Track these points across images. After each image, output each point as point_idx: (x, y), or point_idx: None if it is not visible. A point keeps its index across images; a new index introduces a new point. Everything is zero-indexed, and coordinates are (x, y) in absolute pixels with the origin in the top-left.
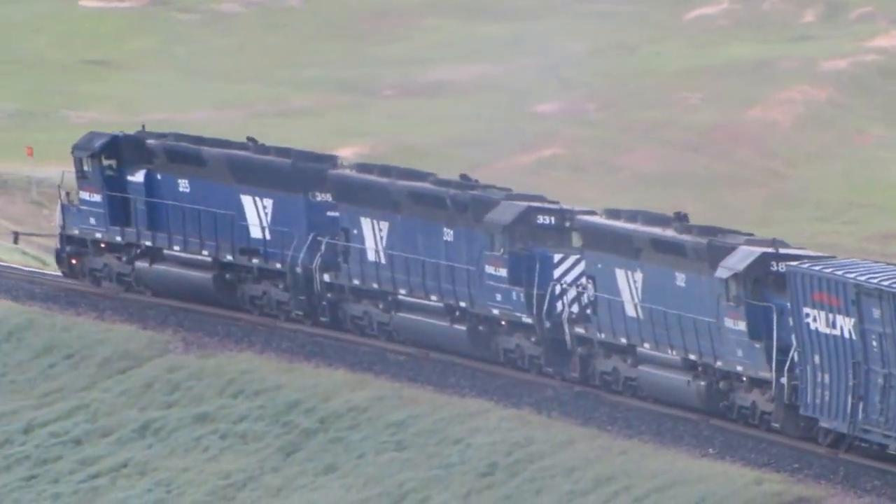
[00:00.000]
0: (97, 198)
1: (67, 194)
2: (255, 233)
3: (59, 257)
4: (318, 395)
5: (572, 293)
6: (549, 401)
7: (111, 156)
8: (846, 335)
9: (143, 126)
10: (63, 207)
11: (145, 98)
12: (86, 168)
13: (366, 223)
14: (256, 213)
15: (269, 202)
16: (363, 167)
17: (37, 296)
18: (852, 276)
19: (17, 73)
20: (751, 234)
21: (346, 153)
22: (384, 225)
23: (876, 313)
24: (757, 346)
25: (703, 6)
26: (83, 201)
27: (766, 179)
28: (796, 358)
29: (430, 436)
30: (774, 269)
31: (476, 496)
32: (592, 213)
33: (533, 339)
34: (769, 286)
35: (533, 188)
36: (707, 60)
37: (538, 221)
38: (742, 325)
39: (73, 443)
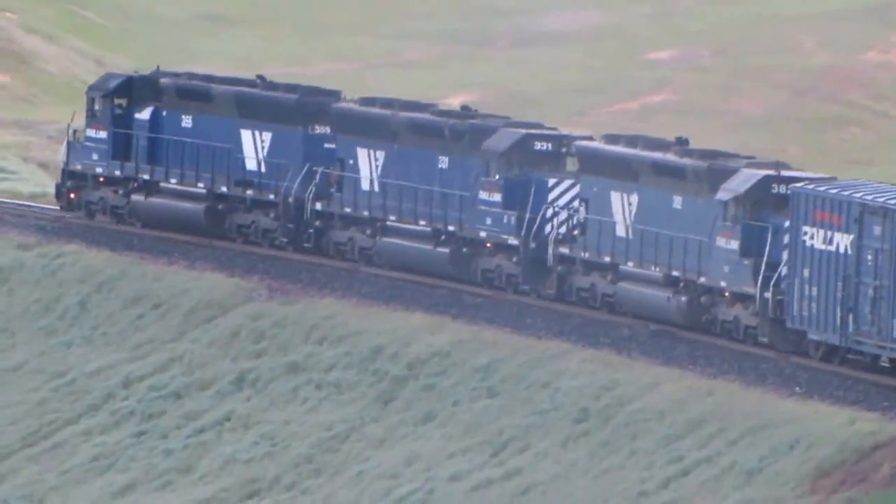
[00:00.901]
0: (103, 135)
1: (75, 132)
2: (251, 165)
3: (59, 191)
4: (400, 340)
5: (563, 216)
6: (626, 340)
7: (123, 95)
8: (841, 251)
9: (158, 67)
10: (68, 144)
11: (261, 52)
12: (96, 107)
13: (362, 153)
14: (254, 146)
15: (267, 136)
16: (367, 101)
17: (134, 246)
18: (858, 195)
19: (133, 31)
20: (752, 157)
21: (456, 102)
22: (380, 154)
23: (877, 230)
24: (745, 262)
25: None
26: (88, 138)
27: (873, 121)
28: (783, 273)
29: (517, 380)
30: (775, 190)
31: (574, 443)
32: (590, 138)
33: (514, 260)
34: (768, 207)
35: (635, 132)
36: (823, 5)
37: (535, 148)
38: (734, 244)
39: (174, 396)
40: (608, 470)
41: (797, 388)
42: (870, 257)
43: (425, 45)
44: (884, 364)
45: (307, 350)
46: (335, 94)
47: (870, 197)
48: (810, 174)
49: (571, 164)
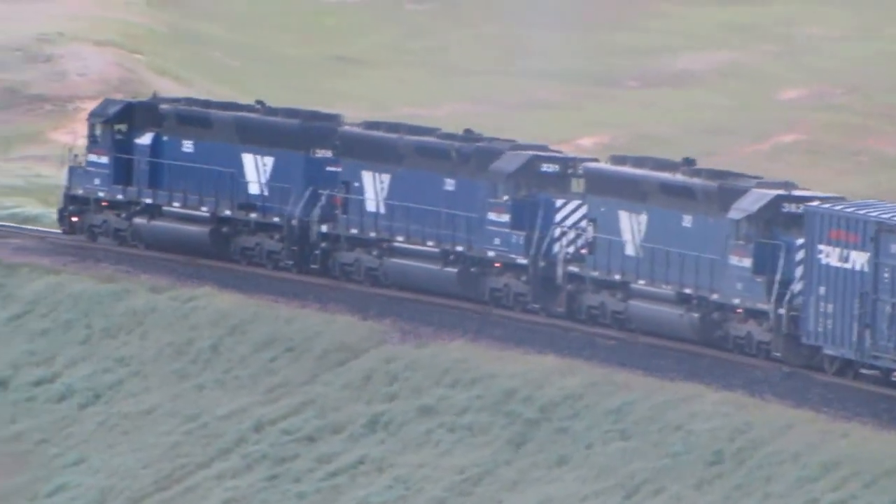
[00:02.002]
0: (104, 159)
1: (76, 156)
2: (254, 189)
3: (61, 216)
4: (532, 383)
5: (571, 235)
6: (758, 382)
7: (123, 121)
8: (857, 268)
9: (155, 93)
10: (70, 169)
11: (391, 94)
12: (97, 133)
13: (367, 176)
14: (256, 170)
15: (269, 160)
16: (370, 125)
17: (266, 289)
18: (874, 214)
19: (262, 72)
20: (759, 177)
21: (587, 143)
22: (385, 177)
23: (893, 248)
24: (759, 279)
25: None
26: (90, 163)
27: None
28: (797, 290)
29: (650, 423)
30: (786, 209)
31: (707, 486)
32: (595, 160)
33: (523, 279)
34: (780, 226)
35: (767, 173)
36: None
37: (542, 169)
38: (747, 262)
39: (307, 440)
40: None
41: None
42: (887, 275)
43: (557, 86)
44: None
45: (440, 393)
46: (336, 119)
47: (886, 216)
48: (819, 193)
49: (577, 186)
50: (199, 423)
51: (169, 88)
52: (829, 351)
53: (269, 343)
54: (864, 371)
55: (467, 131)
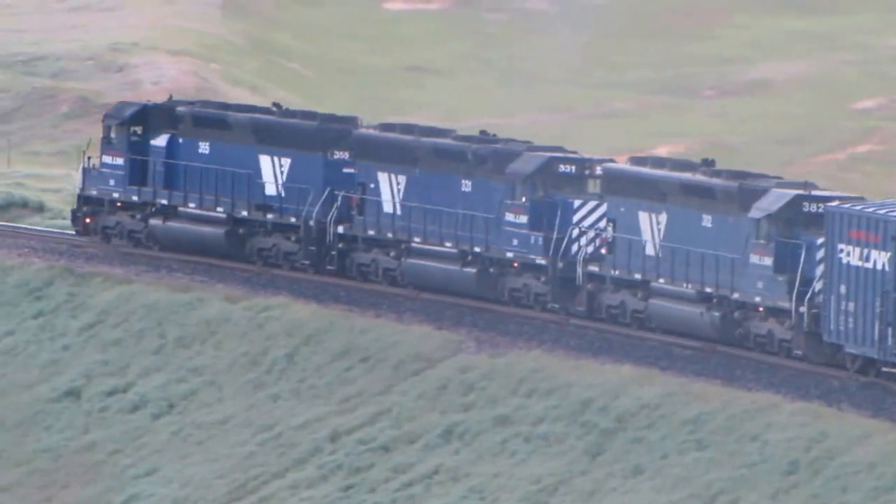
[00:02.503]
0: (119, 161)
1: (89, 158)
2: (271, 190)
3: (75, 217)
4: (608, 393)
5: (590, 235)
6: (836, 392)
7: (139, 123)
8: (878, 267)
9: (171, 96)
10: (84, 170)
11: (466, 104)
12: (112, 135)
13: (383, 177)
14: (273, 171)
15: (286, 161)
16: (386, 126)
17: (341, 298)
18: (894, 214)
19: (337, 82)
20: (779, 178)
21: (663, 152)
22: (402, 178)
23: None
24: (780, 278)
25: None
26: (104, 164)
27: None
28: (817, 288)
29: (726, 433)
30: (806, 209)
31: (783, 495)
32: (612, 161)
33: (542, 279)
34: (800, 225)
35: (842, 183)
36: None
37: (559, 170)
38: (768, 261)
39: (382, 450)
40: None
41: None
42: None
43: (632, 95)
44: None
45: (516, 402)
46: (353, 121)
47: None
48: (839, 193)
49: (593, 186)
50: (273, 434)
51: (243, 98)
52: (850, 349)
53: (344, 353)
54: (885, 370)
55: (483, 132)
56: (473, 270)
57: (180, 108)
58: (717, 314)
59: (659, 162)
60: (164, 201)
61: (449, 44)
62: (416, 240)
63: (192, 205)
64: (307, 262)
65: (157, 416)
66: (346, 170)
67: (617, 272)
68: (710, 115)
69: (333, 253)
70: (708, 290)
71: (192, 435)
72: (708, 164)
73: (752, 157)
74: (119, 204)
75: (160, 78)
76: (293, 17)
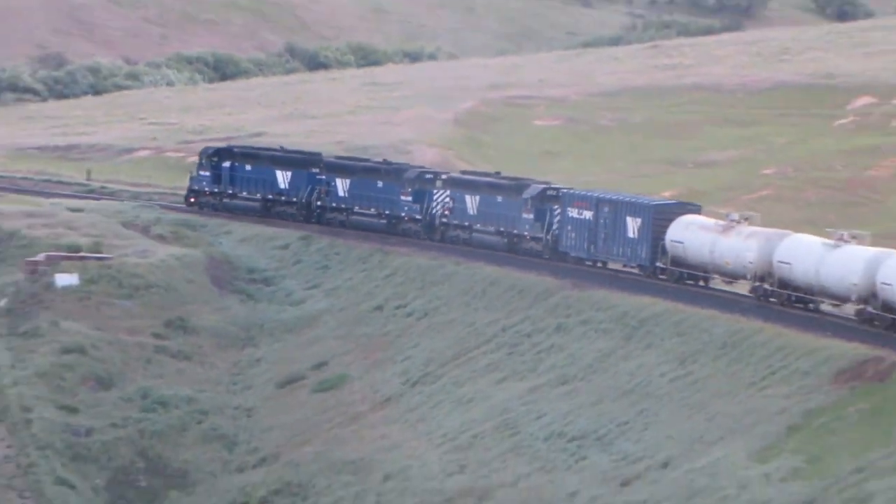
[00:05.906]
0: (207, 173)
1: (191, 171)
2: (282, 186)
3: (187, 199)
4: (636, 308)
5: (441, 205)
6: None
7: (216, 156)
8: (587, 218)
9: (229, 144)
10: (190, 178)
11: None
12: (203, 161)
13: (338, 181)
14: (283, 178)
15: (289, 173)
16: (339, 157)
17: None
18: (594, 195)
19: (516, 155)
20: (535, 179)
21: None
22: (347, 181)
23: (605, 209)
24: (537, 223)
25: None
26: (200, 175)
27: None
28: (554, 227)
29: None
30: (549, 193)
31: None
32: (448, 172)
33: (419, 226)
34: (547, 201)
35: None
36: None
37: (426, 177)
38: (531, 216)
39: (526, 336)
40: None
41: None
42: (600, 221)
43: None
44: None
45: (589, 314)
46: (320, 154)
47: (599, 195)
48: (564, 187)
49: (441, 184)
50: (473, 328)
51: (463, 167)
52: (573, 254)
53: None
54: (588, 263)
55: (385, 161)
56: (384, 221)
57: (235, 149)
58: (505, 240)
59: (474, 173)
60: (230, 191)
61: None
62: (356, 209)
63: (244, 193)
64: (301, 219)
65: (420, 318)
66: (319, 177)
67: (456, 221)
68: None
69: (316, 212)
70: (501, 229)
71: (433, 327)
72: (497, 174)
73: None
74: (207, 193)
75: (422, 156)
76: (493, 126)
